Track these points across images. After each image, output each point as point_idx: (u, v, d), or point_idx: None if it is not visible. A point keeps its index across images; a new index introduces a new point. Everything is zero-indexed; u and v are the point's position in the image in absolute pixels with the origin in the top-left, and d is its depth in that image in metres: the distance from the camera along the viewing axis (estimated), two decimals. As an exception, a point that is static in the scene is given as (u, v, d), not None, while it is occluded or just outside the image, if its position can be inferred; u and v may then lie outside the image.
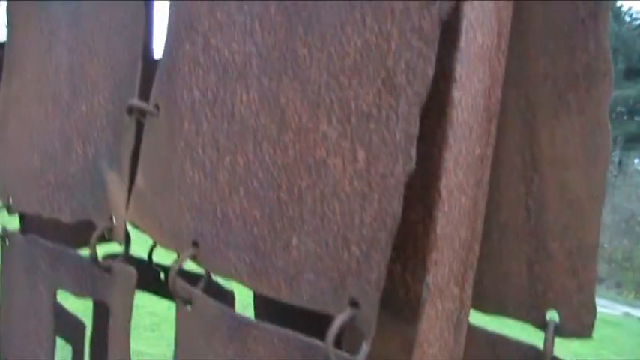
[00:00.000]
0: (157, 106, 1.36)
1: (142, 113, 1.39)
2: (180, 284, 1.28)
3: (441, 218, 1.10)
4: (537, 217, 1.22)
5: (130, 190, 1.42)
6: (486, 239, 1.25)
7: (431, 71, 0.98)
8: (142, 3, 1.42)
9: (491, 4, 1.11)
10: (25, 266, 1.70)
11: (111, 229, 1.44)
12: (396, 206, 1.00)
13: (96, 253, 1.45)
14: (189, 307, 1.28)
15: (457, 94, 1.07)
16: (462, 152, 1.12)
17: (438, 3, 0.98)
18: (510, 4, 1.16)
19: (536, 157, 1.22)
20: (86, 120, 1.53)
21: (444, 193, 1.09)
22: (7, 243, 1.77)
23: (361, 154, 1.06)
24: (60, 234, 1.76)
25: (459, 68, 1.07)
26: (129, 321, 1.40)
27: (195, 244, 1.26)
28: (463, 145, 1.12)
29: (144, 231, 1.39)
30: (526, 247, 1.25)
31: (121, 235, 1.43)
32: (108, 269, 1.45)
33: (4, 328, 1.81)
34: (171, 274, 1.26)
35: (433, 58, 0.98)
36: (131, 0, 1.44)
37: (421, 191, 1.10)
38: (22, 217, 1.82)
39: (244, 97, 1.22)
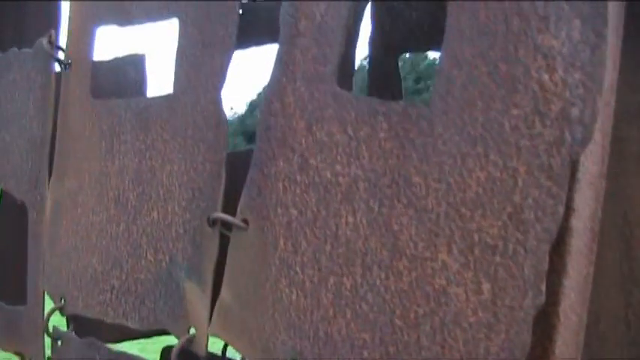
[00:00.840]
0: (245, 221, 1.36)
1: (226, 226, 1.39)
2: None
3: (558, 340, 1.13)
4: (637, 328, 1.27)
5: (212, 302, 1.41)
6: (587, 348, 1.29)
7: (561, 209, 1.02)
8: (222, 111, 1.43)
9: (599, 134, 1.16)
10: (81, 371, 1.67)
11: (191, 340, 1.43)
12: (525, 337, 1.03)
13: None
14: None
15: (575, 223, 1.11)
16: (575, 275, 1.16)
17: (567, 143, 1.02)
18: (610, 133, 1.21)
19: (635, 271, 1.27)
20: (158, 227, 1.52)
21: (562, 316, 1.12)
22: (60, 344, 1.73)
23: (486, 286, 1.08)
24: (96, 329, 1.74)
25: (577, 199, 1.11)
26: None
27: (294, 361, 1.27)
28: (576, 268, 1.16)
29: (229, 344, 1.38)
30: (626, 355, 1.29)
31: (203, 347, 1.42)
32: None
33: None
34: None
35: (564, 197, 1.02)
36: (209, 109, 1.44)
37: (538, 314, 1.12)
38: (73, 318, 1.79)
39: (350, 220, 1.23)
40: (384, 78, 1.71)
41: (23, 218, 2.05)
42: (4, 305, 2.09)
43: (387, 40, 1.61)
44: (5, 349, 2.08)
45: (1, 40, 2.46)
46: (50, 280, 1.78)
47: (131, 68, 2.07)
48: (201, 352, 1.44)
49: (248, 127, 32.32)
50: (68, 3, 2.20)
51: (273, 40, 2.00)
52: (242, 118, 34.65)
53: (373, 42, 1.73)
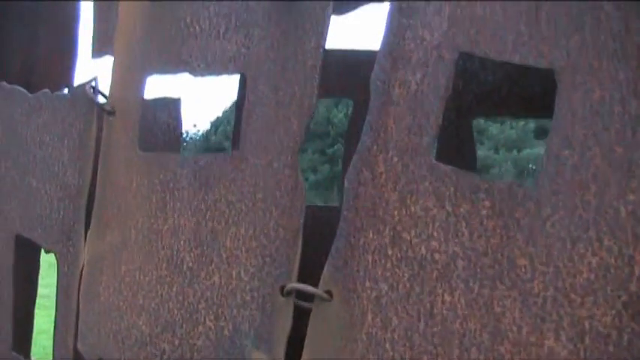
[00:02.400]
0: (329, 292, 1.34)
1: (302, 296, 1.37)
2: None
3: None
4: None
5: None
6: None
7: None
8: (298, 175, 1.41)
9: None
10: None
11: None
12: None
13: None
14: None
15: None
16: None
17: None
18: None
19: None
20: (219, 292, 1.48)
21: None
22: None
23: (598, 376, 1.08)
24: None
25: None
26: None
27: None
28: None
29: None
30: None
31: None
32: None
33: None
34: None
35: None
36: (284, 172, 1.41)
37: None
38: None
39: (447, 299, 1.22)
40: (456, 142, 1.70)
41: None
42: (21, 358, 2.01)
43: (460, 103, 1.61)
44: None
45: (9, 71, 2.39)
46: (86, 339, 1.72)
47: (164, 112, 2.03)
48: None
49: (212, 144, 32.17)
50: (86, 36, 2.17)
51: (342, 92, 2.00)
52: (206, 136, 34.45)
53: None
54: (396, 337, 1.27)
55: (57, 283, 1.83)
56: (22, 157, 1.97)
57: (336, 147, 29.07)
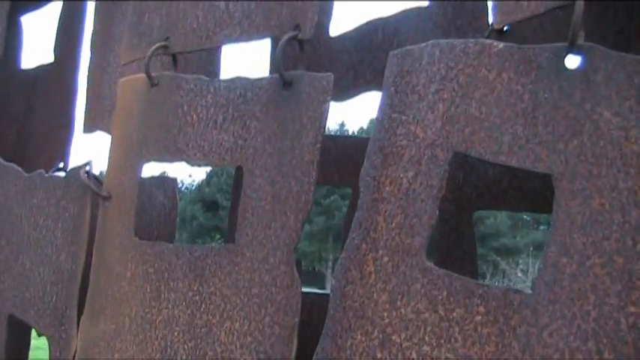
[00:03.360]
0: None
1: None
2: None
3: None
4: None
5: None
6: None
7: None
8: (294, 273, 1.41)
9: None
10: None
11: None
12: None
13: None
14: None
15: None
16: None
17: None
18: None
19: None
20: (214, 387, 1.47)
21: None
22: None
23: None
24: None
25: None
26: None
27: None
28: None
29: None
30: None
31: None
32: None
33: None
34: None
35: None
36: (280, 268, 1.42)
37: None
38: None
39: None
40: (455, 235, 1.71)
41: None
42: None
43: (459, 195, 1.63)
44: None
45: (4, 141, 2.41)
46: None
47: (160, 192, 2.04)
48: None
49: (206, 195, 32.30)
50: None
51: (341, 179, 2.01)
52: (200, 186, 34.53)
53: (444, 195, 1.73)
54: None
55: (49, 369, 1.82)
56: (17, 236, 1.97)
57: (332, 198, 29.12)
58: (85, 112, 2.22)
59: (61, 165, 2.30)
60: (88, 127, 2.19)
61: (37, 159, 2.32)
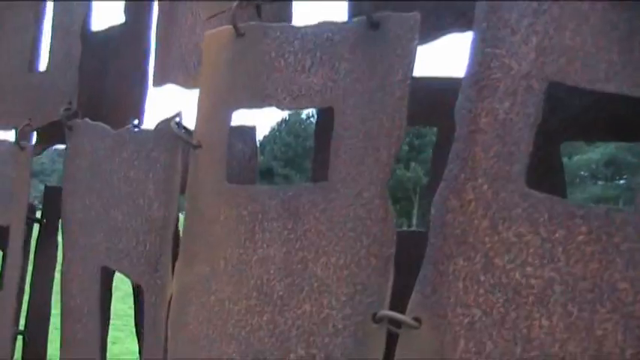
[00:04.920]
0: (417, 319, 1.39)
1: (394, 323, 1.42)
2: None
3: None
4: None
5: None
6: None
7: None
8: (388, 205, 1.47)
9: None
10: None
11: None
12: None
13: None
14: None
15: None
16: None
17: None
18: None
19: None
20: (310, 320, 1.55)
21: None
22: None
23: None
24: None
25: None
26: None
27: None
28: None
29: None
30: None
31: None
32: None
33: None
34: None
35: None
36: (374, 202, 1.48)
37: None
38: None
39: (545, 323, 1.27)
40: (544, 167, 1.75)
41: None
42: None
43: (546, 127, 1.66)
44: None
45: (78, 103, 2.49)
46: (174, 369, 1.79)
47: (239, 140, 2.12)
48: None
49: (262, 163, 32.37)
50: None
51: (427, 121, 2.06)
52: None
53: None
54: None
55: (144, 314, 1.92)
56: (107, 191, 2.07)
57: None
58: (155, 66, 2.28)
59: (136, 122, 2.37)
60: (158, 81, 2.25)
61: (111, 117, 2.38)
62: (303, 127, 43.63)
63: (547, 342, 1.27)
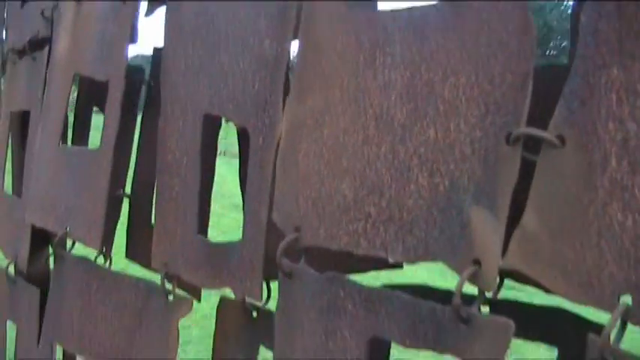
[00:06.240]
0: (560, 137, 1.26)
1: (529, 149, 1.30)
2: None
3: None
4: None
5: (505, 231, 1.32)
6: None
7: None
8: (528, 16, 1.33)
9: None
10: (320, 307, 1.61)
11: (475, 274, 1.35)
12: None
13: (459, 303, 1.35)
14: None
15: None
16: None
17: None
18: None
19: None
20: (435, 147, 1.44)
21: None
22: (293, 278, 1.69)
23: None
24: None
25: None
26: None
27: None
28: None
29: (532, 277, 1.29)
30: None
31: (491, 281, 1.34)
32: (466, 320, 1.35)
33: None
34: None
35: None
36: (513, 12, 1.34)
37: None
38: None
39: None
40: None
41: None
42: (206, 240, 2.07)
43: None
44: (207, 287, 2.07)
45: None
46: (281, 210, 1.73)
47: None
48: (489, 287, 1.36)
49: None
50: None
51: None
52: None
53: None
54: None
55: (249, 158, 1.87)
56: (212, 34, 2.00)
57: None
58: None
59: None
60: None
61: None
62: None
63: None
